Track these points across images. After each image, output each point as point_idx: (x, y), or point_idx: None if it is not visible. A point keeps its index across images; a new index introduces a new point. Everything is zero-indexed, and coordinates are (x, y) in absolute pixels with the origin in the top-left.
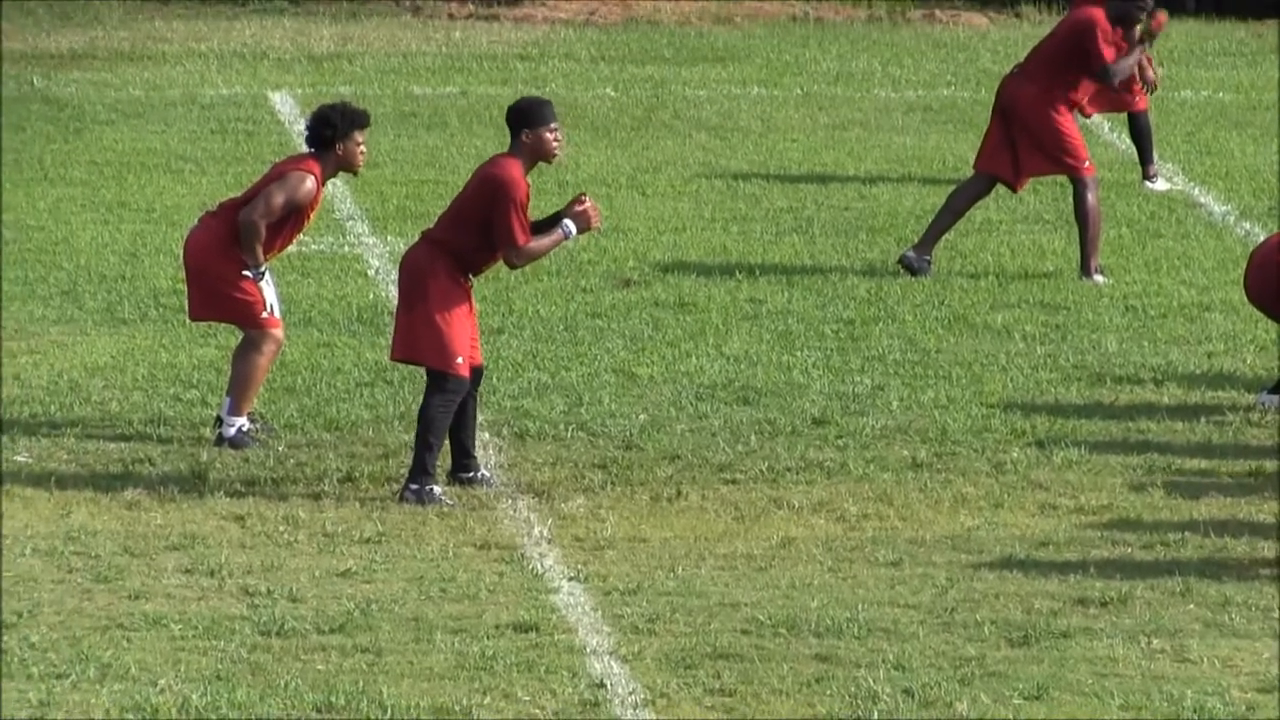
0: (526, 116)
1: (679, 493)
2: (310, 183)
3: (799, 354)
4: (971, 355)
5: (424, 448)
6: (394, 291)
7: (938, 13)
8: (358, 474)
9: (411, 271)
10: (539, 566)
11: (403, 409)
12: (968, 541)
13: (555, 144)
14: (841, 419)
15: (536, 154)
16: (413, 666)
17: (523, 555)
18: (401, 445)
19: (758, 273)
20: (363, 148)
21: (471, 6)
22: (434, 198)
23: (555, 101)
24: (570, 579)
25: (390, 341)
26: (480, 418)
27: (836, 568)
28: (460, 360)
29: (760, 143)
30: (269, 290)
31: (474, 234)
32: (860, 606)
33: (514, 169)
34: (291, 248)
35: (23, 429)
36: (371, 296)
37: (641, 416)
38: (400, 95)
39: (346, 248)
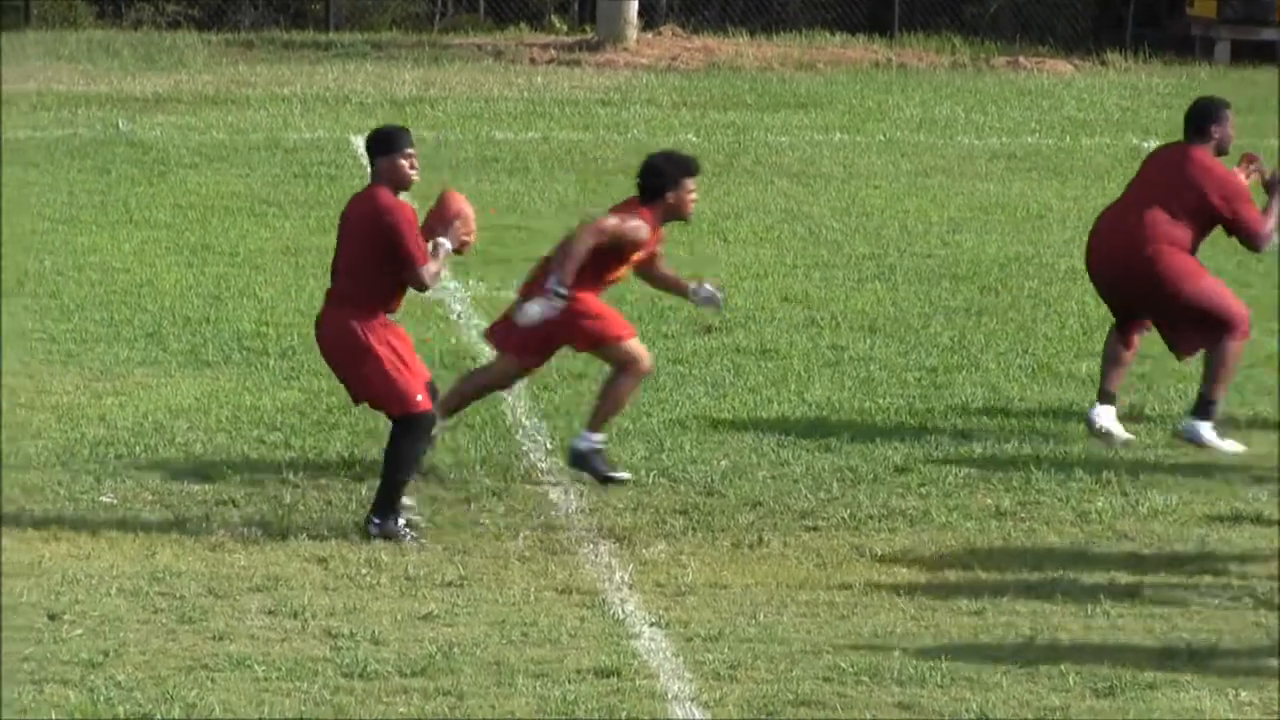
0: (381, 143)
1: (760, 539)
2: (644, 230)
3: (881, 401)
4: (1055, 404)
5: (390, 486)
6: (475, 336)
7: (1022, 59)
8: (439, 518)
9: (335, 335)
10: (620, 612)
11: (484, 454)
12: (1052, 591)
13: (412, 170)
14: (924, 467)
15: (395, 180)
16: (494, 710)
17: (604, 600)
18: (484, 490)
19: (840, 319)
20: (693, 195)
21: (553, 52)
22: (515, 243)
23: (637, 147)
24: (651, 624)
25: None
26: (562, 462)
27: (919, 616)
28: (420, 397)
29: (842, 189)
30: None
31: (377, 273)
32: (943, 655)
33: (387, 195)
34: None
35: (108, 471)
36: (454, 341)
37: (723, 463)
38: (482, 140)
39: (428, 292)
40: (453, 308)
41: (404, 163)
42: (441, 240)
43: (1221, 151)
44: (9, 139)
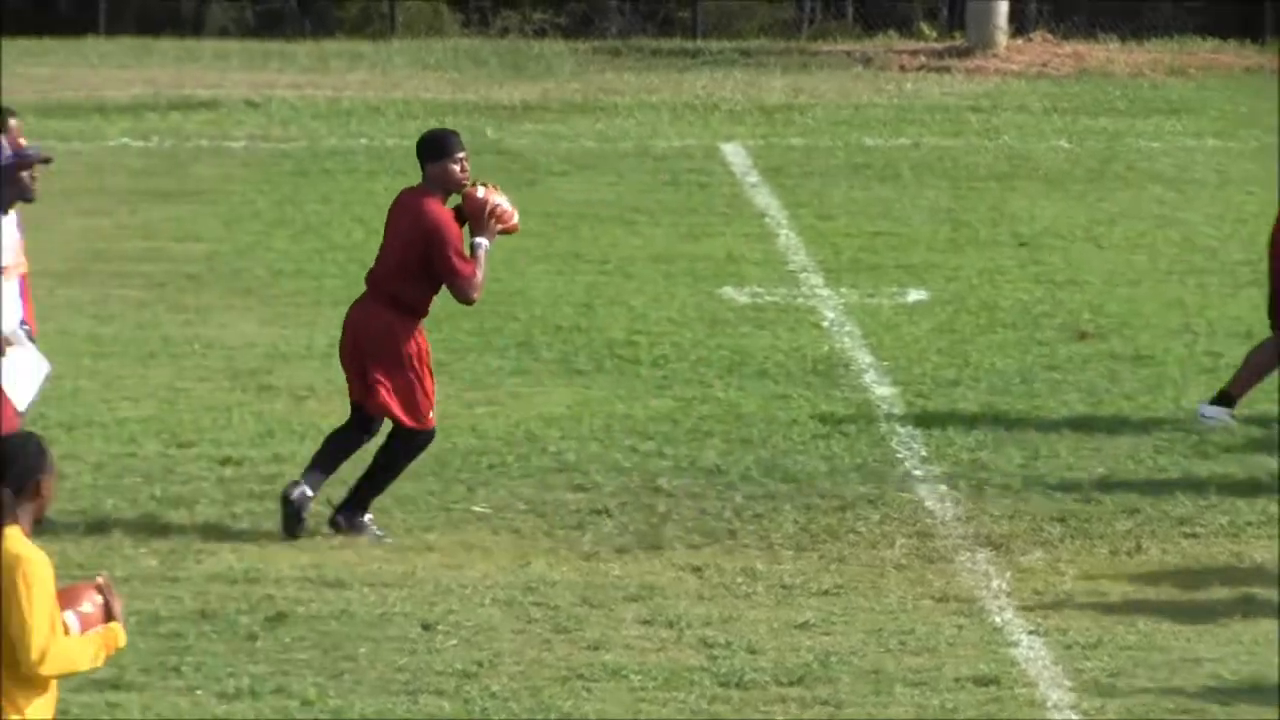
0: (431, 148)
1: (1139, 546)
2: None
3: (1258, 408)
4: None
5: (371, 485)
6: (848, 343)
7: None
8: (814, 526)
9: (377, 334)
10: (998, 620)
11: (859, 461)
12: None
13: (463, 174)
14: None
15: (446, 185)
16: (872, 719)
17: (981, 608)
18: (859, 498)
19: (1215, 326)
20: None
21: (923, 58)
22: (887, 249)
23: (1008, 153)
24: (1030, 632)
25: (361, 387)
26: (937, 469)
27: None
28: (432, 414)
29: (1216, 195)
30: None
31: (418, 279)
32: None
33: (435, 206)
34: (746, 299)
35: (480, 480)
36: (826, 348)
37: (1099, 469)
38: (852, 147)
39: (800, 299)
40: (825, 315)
41: (455, 167)
42: (479, 240)
43: None
44: (378, 147)
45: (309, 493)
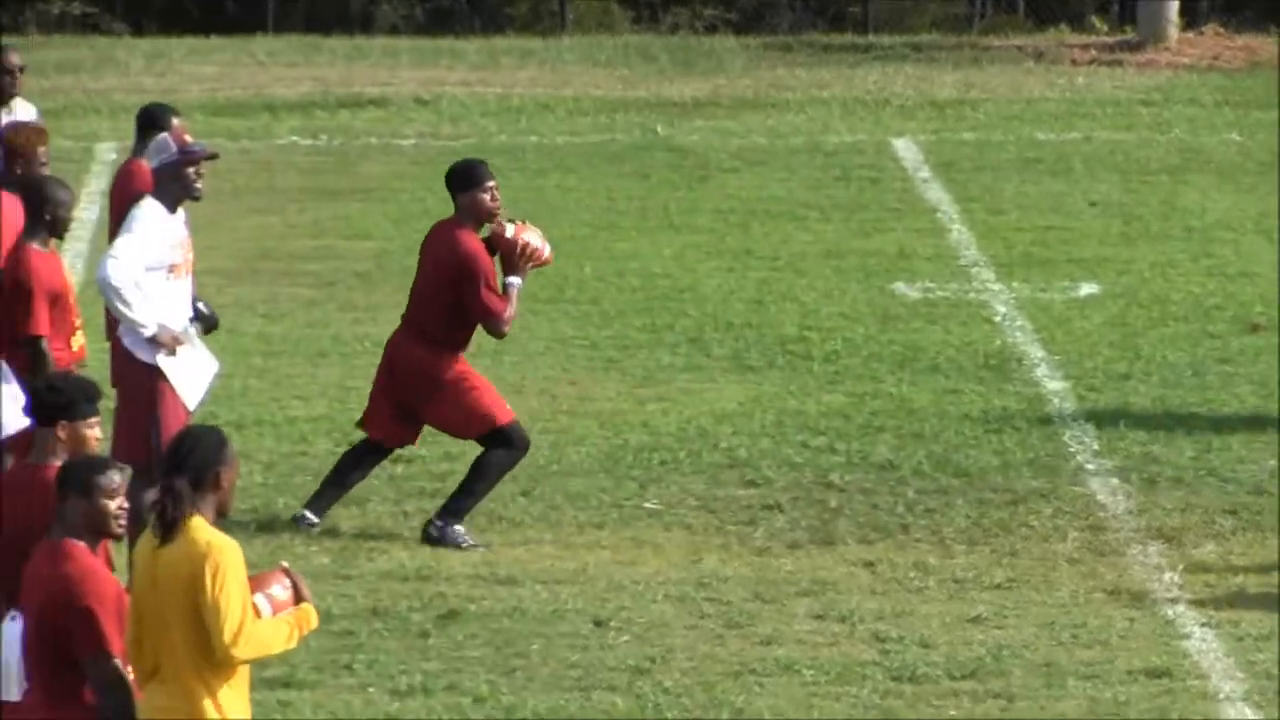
0: (461, 179)
1: None
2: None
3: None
4: None
5: (467, 494)
6: (1020, 338)
7: None
8: (987, 520)
9: (413, 370)
10: (1170, 612)
11: (1030, 455)
12: None
13: (493, 203)
14: None
15: (477, 215)
16: (1044, 712)
17: (1154, 601)
18: (1030, 492)
19: None
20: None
21: (1094, 52)
22: (1059, 244)
23: (1180, 146)
24: (1202, 625)
25: (385, 423)
26: (1109, 463)
27: None
28: (507, 408)
29: None
30: None
31: (451, 312)
32: None
33: (468, 239)
34: (918, 294)
35: (652, 476)
36: (998, 343)
37: (1271, 461)
38: (1024, 141)
39: (972, 294)
40: (997, 310)
41: (484, 196)
42: (512, 280)
43: None
44: (548, 144)
45: (310, 517)
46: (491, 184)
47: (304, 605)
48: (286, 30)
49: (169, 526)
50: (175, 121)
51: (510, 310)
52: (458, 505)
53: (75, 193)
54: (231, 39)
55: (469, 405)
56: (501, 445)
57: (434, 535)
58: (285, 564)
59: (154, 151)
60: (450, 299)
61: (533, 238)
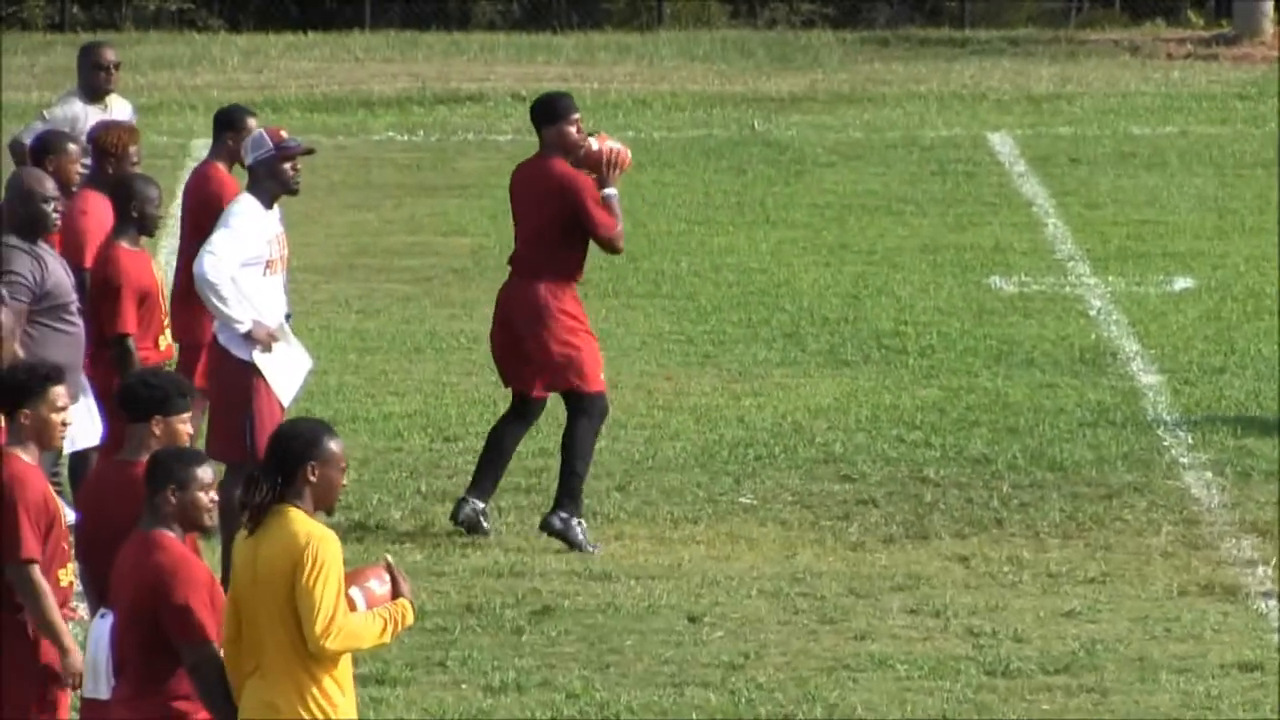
0: (546, 112)
1: None
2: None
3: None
4: None
5: (571, 475)
6: (1115, 332)
7: None
8: (1081, 515)
9: (527, 307)
10: (1263, 606)
11: (1125, 449)
12: None
13: (580, 135)
14: None
15: (565, 147)
16: (1138, 706)
17: (1247, 595)
18: (1125, 486)
19: None
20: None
21: (1190, 46)
22: (1154, 237)
23: (1273, 140)
24: None
25: (516, 370)
26: (1203, 456)
27: None
28: (601, 377)
29: None
30: None
31: (560, 244)
32: None
33: (561, 165)
34: (1013, 289)
35: (747, 471)
36: (1094, 337)
37: None
38: (1119, 135)
39: (1068, 288)
40: (1092, 304)
41: (570, 128)
42: (609, 192)
43: None
44: (645, 139)
45: (479, 506)
46: (576, 115)
47: (401, 601)
48: (383, 26)
49: (250, 515)
50: (251, 122)
51: (619, 223)
52: (570, 490)
53: (164, 190)
54: (328, 35)
55: (568, 355)
56: (582, 414)
57: (557, 527)
58: (389, 558)
59: (250, 148)
60: (558, 231)
61: (614, 144)
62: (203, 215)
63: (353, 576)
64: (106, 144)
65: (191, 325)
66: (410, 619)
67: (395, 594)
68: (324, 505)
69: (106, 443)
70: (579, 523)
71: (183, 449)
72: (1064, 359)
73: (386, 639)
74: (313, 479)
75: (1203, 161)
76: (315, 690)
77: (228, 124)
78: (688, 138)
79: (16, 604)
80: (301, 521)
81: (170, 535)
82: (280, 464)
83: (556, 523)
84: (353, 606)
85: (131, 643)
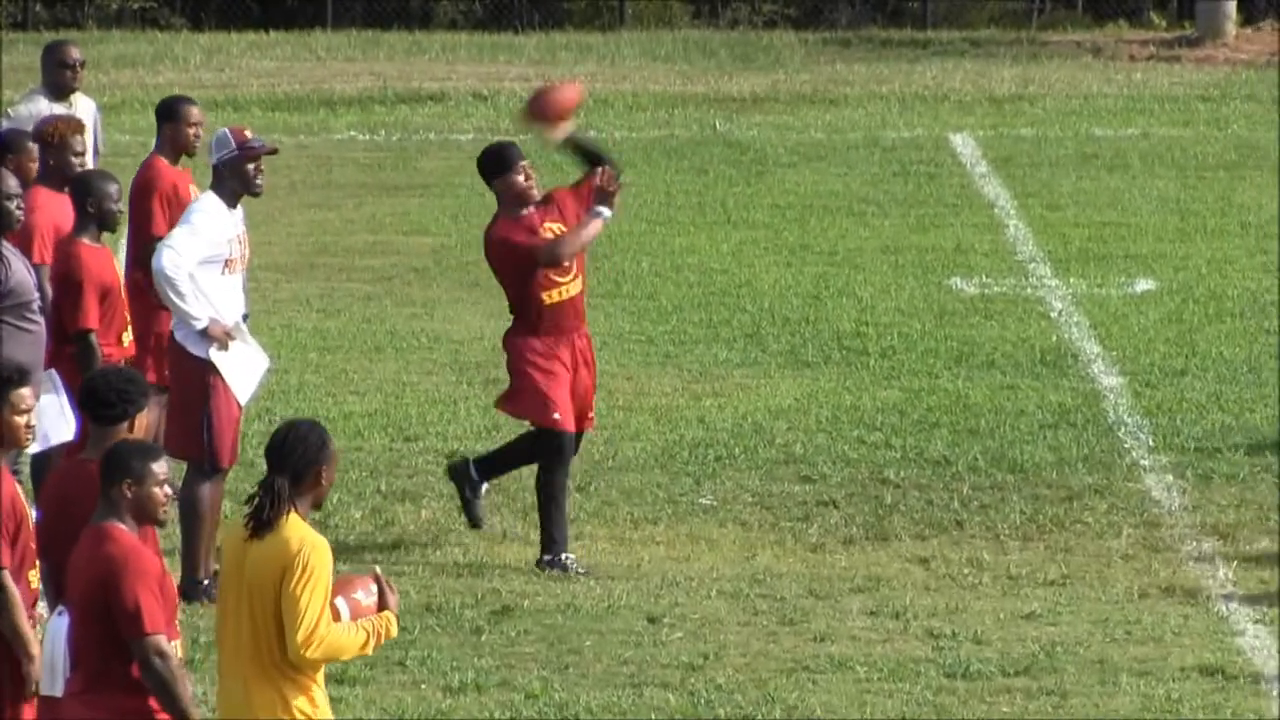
0: (492, 165)
1: None
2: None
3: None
4: None
5: (544, 518)
6: (1076, 333)
7: None
8: (1041, 517)
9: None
10: (1224, 609)
11: (1086, 451)
12: None
13: (528, 182)
14: None
15: (515, 197)
16: (1098, 709)
17: (1208, 598)
18: (1085, 488)
19: None
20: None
21: (1152, 48)
22: (1116, 239)
23: (1237, 142)
24: (1255, 622)
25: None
26: (1164, 459)
27: None
28: (558, 416)
29: None
30: None
31: (510, 286)
32: None
33: (502, 228)
34: (974, 290)
35: (707, 472)
36: (1054, 339)
37: None
38: (1081, 137)
39: (1029, 290)
40: (1053, 305)
41: (518, 177)
42: (602, 209)
43: None
44: (605, 140)
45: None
46: (524, 163)
47: (385, 614)
48: (345, 25)
49: (265, 524)
50: (191, 111)
51: (569, 242)
52: (550, 534)
53: (124, 188)
54: (290, 34)
55: (525, 389)
56: (544, 451)
57: (548, 566)
58: (377, 569)
59: (214, 147)
60: (508, 279)
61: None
62: (139, 202)
63: (340, 585)
64: (46, 135)
65: (144, 315)
66: (394, 632)
67: (382, 606)
68: (318, 504)
69: (75, 441)
70: (562, 556)
71: (138, 443)
72: (1025, 361)
73: (368, 651)
74: (321, 483)
75: (1165, 163)
76: (295, 688)
77: (166, 114)
78: (649, 138)
79: None
80: (296, 527)
81: (121, 527)
82: (291, 468)
83: (545, 566)
84: (336, 616)
85: (85, 637)
